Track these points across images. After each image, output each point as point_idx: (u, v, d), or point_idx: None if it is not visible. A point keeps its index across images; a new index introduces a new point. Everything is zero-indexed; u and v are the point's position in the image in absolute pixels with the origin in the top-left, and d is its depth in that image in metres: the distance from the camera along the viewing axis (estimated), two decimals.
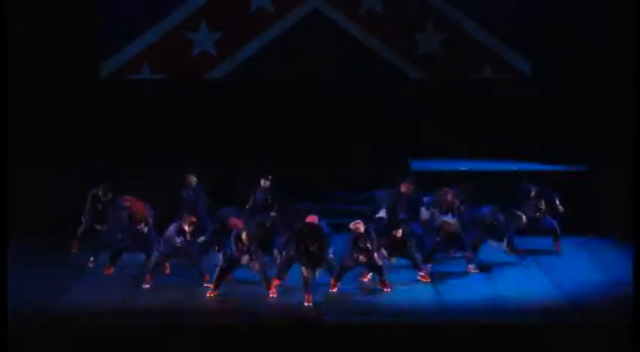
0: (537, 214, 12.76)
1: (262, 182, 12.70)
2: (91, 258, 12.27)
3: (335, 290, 11.46)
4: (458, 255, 12.57)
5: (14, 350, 9.60)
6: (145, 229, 11.86)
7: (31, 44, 14.64)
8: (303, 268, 11.09)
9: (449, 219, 12.10)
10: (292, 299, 11.11)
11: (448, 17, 15.28)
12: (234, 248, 10.95)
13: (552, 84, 15.07)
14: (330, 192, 13.98)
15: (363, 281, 11.81)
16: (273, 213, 12.39)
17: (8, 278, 10.67)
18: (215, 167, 14.18)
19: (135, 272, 12.08)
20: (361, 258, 11.35)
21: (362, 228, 11.40)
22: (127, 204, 11.81)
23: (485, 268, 12.28)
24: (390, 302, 11.01)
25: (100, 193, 12.65)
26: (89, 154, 14.32)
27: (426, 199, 12.92)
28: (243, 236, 10.91)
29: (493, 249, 12.74)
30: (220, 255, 11.41)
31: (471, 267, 12.16)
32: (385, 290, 11.47)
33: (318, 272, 11.51)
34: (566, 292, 11.32)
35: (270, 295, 11.21)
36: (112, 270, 12.04)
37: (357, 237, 11.40)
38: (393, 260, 12.05)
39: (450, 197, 12.41)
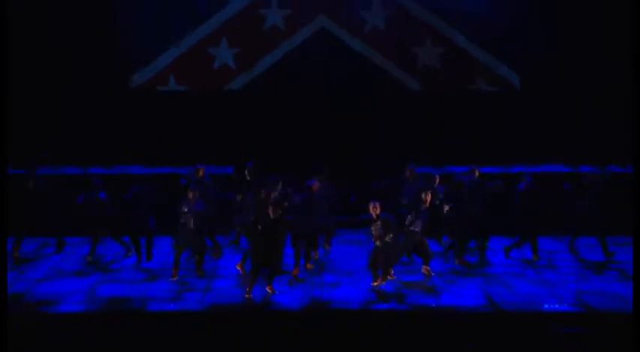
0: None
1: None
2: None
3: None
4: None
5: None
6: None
7: (69, 56, 14.75)
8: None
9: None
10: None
11: (444, 34, 15.10)
12: None
13: (540, 95, 14.92)
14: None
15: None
16: None
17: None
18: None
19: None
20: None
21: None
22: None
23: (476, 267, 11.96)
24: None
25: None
26: (120, 156, 14.40)
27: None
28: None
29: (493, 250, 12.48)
30: None
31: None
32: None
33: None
34: (566, 293, 10.86)
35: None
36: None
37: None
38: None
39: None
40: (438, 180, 12.27)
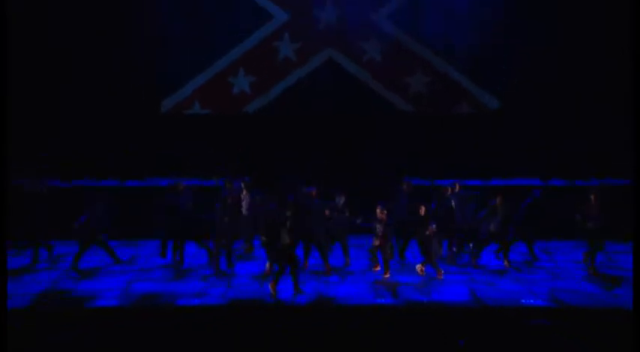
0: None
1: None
2: None
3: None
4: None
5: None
6: None
7: (111, 86, 15.05)
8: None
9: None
10: None
11: (433, 64, 15.44)
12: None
13: (515, 116, 15.21)
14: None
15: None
16: None
17: None
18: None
19: None
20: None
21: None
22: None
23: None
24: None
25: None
26: (154, 170, 14.79)
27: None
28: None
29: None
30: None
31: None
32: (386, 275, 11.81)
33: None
34: (542, 290, 11.19)
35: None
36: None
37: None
38: None
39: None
40: (450, 191, 12.78)
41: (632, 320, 9.01)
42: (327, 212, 12.15)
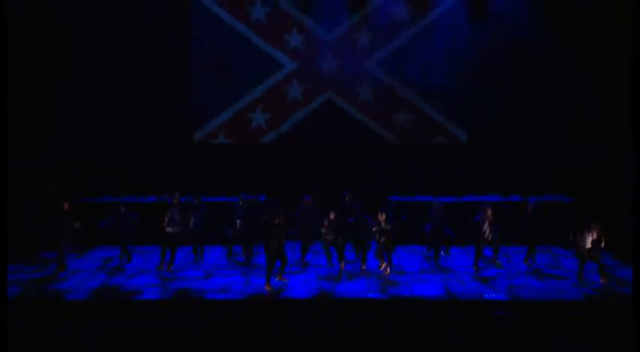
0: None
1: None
2: None
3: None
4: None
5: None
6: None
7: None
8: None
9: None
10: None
11: (414, 103, 16.50)
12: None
13: (481, 148, 16.35)
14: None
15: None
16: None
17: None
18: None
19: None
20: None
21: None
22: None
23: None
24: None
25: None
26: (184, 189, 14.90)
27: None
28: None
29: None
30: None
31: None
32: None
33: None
34: (501, 286, 12.12)
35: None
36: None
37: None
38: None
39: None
40: (440, 206, 13.61)
41: (632, 320, 9.69)
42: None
